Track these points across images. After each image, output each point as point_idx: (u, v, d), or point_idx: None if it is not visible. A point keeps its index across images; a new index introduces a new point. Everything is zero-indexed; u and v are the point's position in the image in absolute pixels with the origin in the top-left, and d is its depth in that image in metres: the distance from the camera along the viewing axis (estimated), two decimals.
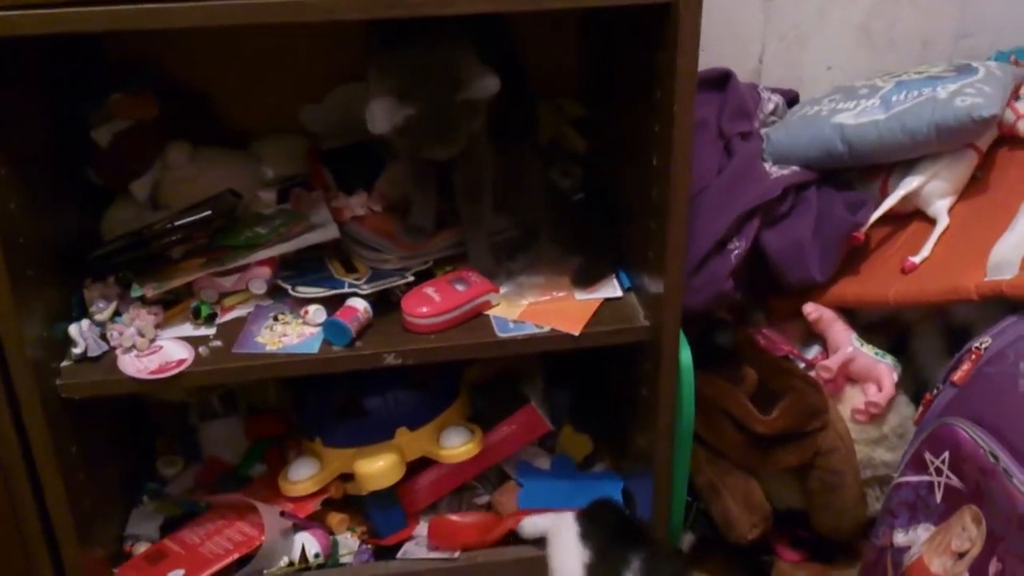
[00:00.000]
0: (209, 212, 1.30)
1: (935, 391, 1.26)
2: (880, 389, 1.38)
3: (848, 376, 1.42)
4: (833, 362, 1.39)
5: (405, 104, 1.13)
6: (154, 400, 1.57)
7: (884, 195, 1.43)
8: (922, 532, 1.19)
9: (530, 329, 1.25)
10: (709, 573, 1.43)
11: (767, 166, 1.43)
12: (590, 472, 1.50)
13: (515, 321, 1.27)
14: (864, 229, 1.39)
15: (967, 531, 1.13)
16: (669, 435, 1.29)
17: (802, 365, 1.43)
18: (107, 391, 1.20)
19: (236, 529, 1.36)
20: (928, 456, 1.20)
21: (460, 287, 1.28)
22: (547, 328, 1.26)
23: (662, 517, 1.34)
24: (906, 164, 1.41)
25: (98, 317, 1.25)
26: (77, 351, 1.20)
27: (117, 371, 1.19)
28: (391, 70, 1.16)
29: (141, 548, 1.38)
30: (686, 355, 1.26)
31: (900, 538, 1.23)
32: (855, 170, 1.47)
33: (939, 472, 1.18)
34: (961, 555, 1.12)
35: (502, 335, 1.25)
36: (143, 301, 1.27)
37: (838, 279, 1.43)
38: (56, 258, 1.24)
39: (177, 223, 1.29)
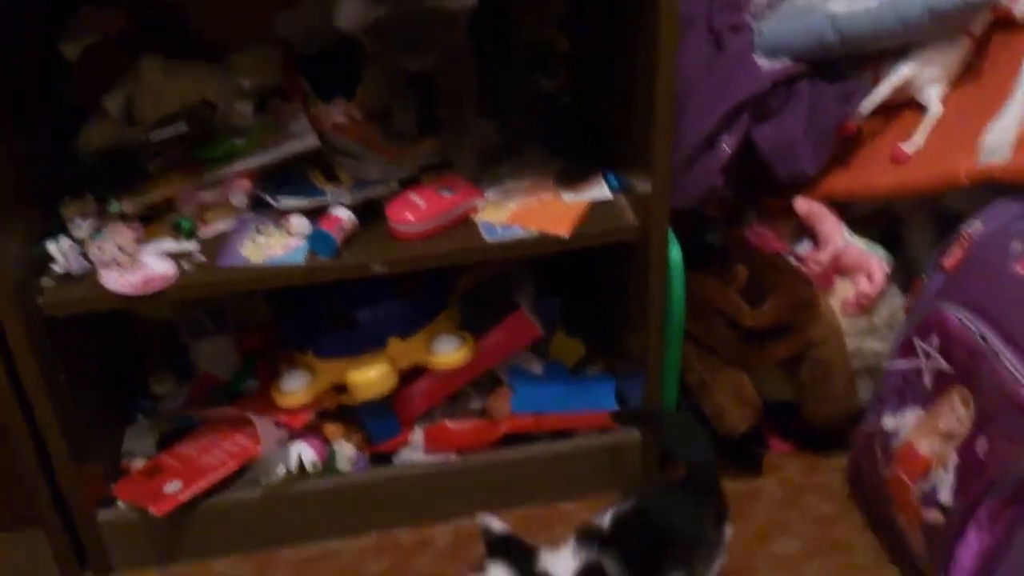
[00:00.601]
0: (185, 124, 1.28)
1: (925, 277, 1.26)
2: (871, 280, 1.38)
3: (839, 269, 1.41)
4: (824, 255, 1.38)
5: (375, 5, 1.10)
6: (142, 320, 1.57)
7: (876, 84, 1.40)
8: (911, 416, 1.20)
9: (518, 233, 1.24)
10: None
11: (758, 59, 1.40)
12: (583, 376, 1.51)
13: (502, 225, 1.26)
14: (856, 119, 1.37)
15: (956, 412, 1.13)
16: (660, 334, 1.29)
17: (793, 261, 1.42)
18: (91, 307, 1.19)
19: (232, 441, 1.37)
20: (917, 342, 1.21)
21: (446, 193, 1.26)
22: (535, 231, 1.24)
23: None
24: (898, 52, 1.38)
25: (78, 235, 1.23)
26: (58, 269, 1.19)
27: (100, 288, 1.18)
28: None
29: (138, 464, 1.39)
30: (676, 253, 1.25)
31: (889, 423, 1.24)
32: (846, 60, 1.44)
33: (928, 357, 1.19)
34: (950, 436, 1.14)
35: (490, 240, 1.23)
36: (122, 217, 1.25)
37: (829, 172, 1.41)
38: (32, 177, 1.21)
39: (153, 137, 1.26)
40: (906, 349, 1.23)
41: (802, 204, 1.41)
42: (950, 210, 1.39)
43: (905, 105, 1.40)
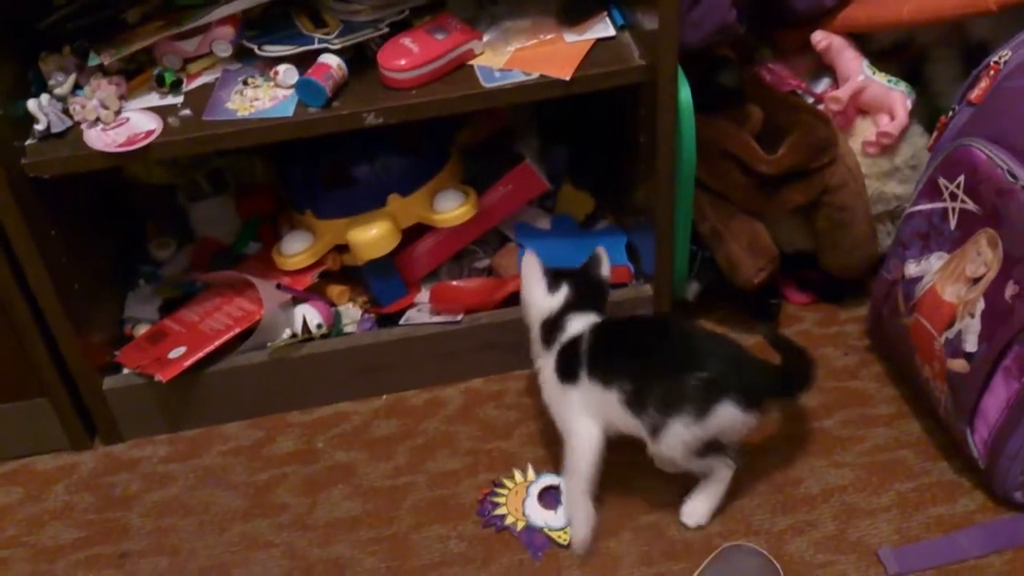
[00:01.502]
0: None
1: (950, 113, 1.19)
2: (893, 118, 1.30)
3: (859, 107, 1.34)
4: (843, 92, 1.30)
5: None
6: (139, 183, 1.52)
7: None
8: (935, 261, 1.15)
9: (518, 77, 1.17)
10: (717, 321, 1.41)
11: None
12: (592, 230, 1.46)
13: (501, 70, 1.18)
14: None
15: (982, 255, 1.08)
16: (669, 181, 1.23)
17: (811, 99, 1.35)
18: (76, 167, 1.14)
19: (235, 305, 1.34)
20: (942, 181, 1.14)
21: (440, 36, 1.18)
22: (536, 75, 1.17)
23: (665, 267, 1.31)
24: None
25: (58, 91, 1.17)
26: (39, 127, 1.14)
27: (84, 146, 1.13)
28: None
29: (141, 330, 1.37)
30: (685, 94, 1.18)
31: (912, 269, 1.19)
32: None
33: (953, 197, 1.13)
34: (976, 280, 1.09)
35: (488, 85, 1.17)
36: (103, 71, 1.19)
37: (848, 1, 1.32)
38: (4, 31, 1.15)
39: None
40: (930, 189, 1.16)
41: (820, 37, 1.32)
42: (976, 41, 1.31)
43: None
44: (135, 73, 1.22)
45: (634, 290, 1.35)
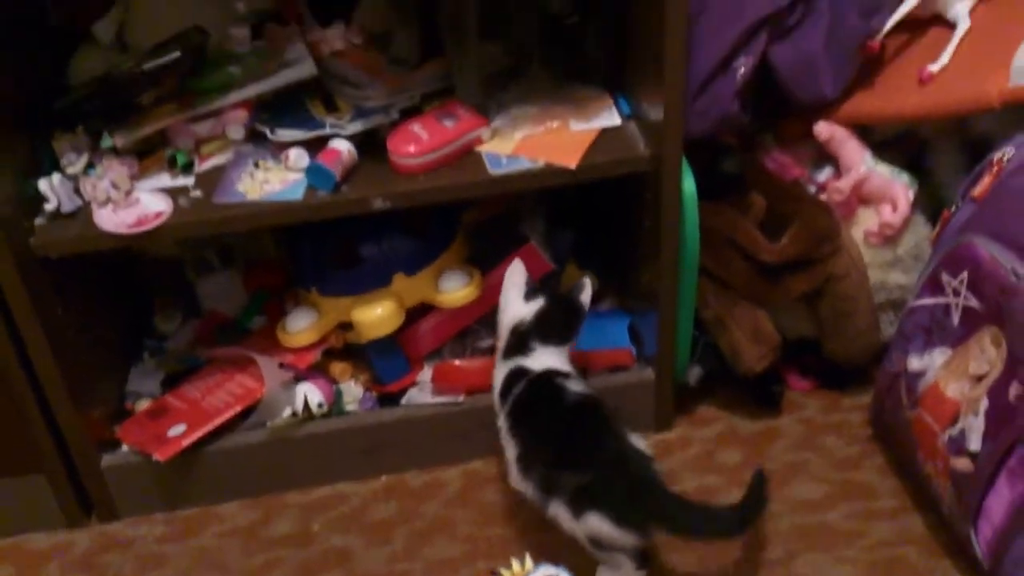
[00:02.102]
0: (177, 53, 1.22)
1: (953, 208, 1.20)
2: (895, 209, 1.32)
3: (862, 197, 1.35)
4: (845, 183, 1.32)
5: None
6: (147, 257, 1.53)
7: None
8: (938, 356, 1.15)
9: (524, 164, 1.19)
10: (719, 406, 1.41)
11: None
12: (595, 311, 1.46)
13: (508, 156, 1.20)
14: (879, 37, 1.30)
15: (986, 353, 1.08)
16: (673, 268, 1.24)
17: (813, 189, 1.36)
18: (84, 247, 1.15)
19: (237, 382, 1.34)
20: (945, 277, 1.15)
21: (448, 123, 1.20)
22: (542, 162, 1.19)
23: (668, 352, 1.31)
24: None
25: (70, 170, 1.19)
26: (50, 207, 1.15)
27: (94, 226, 1.14)
28: None
29: (143, 405, 1.37)
30: (689, 183, 1.19)
31: (915, 363, 1.19)
32: None
33: (957, 293, 1.13)
34: (979, 378, 1.09)
35: (495, 172, 1.18)
36: (116, 152, 1.21)
37: (851, 94, 1.34)
38: (20, 109, 1.16)
39: (144, 67, 1.20)
40: (933, 284, 1.17)
41: (823, 128, 1.34)
42: (978, 134, 1.33)
43: (932, 20, 1.32)
44: (147, 153, 1.24)
45: (636, 373, 1.35)
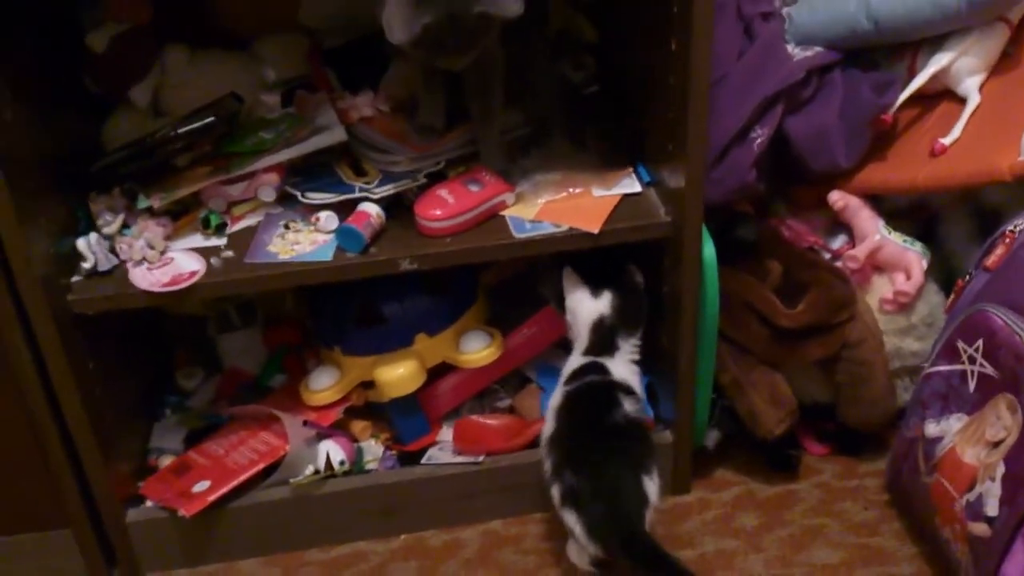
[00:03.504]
0: (212, 118, 1.26)
1: (967, 277, 1.23)
2: (909, 278, 1.34)
3: (876, 265, 1.38)
4: (860, 251, 1.35)
5: (422, 12, 1.08)
6: (171, 313, 1.56)
7: (912, 74, 1.36)
8: (954, 422, 1.17)
9: (548, 229, 1.22)
10: (736, 470, 1.42)
11: (789, 48, 1.36)
12: None
13: (532, 221, 1.23)
14: (892, 111, 1.34)
15: (1002, 420, 1.10)
16: (692, 333, 1.26)
17: (828, 256, 1.39)
18: (120, 305, 1.17)
19: (260, 439, 1.36)
20: (961, 344, 1.17)
21: (474, 187, 1.24)
22: (565, 227, 1.22)
23: (686, 415, 1.33)
24: (935, 41, 1.34)
25: (106, 230, 1.22)
26: (87, 265, 1.18)
27: (129, 284, 1.17)
28: None
29: (166, 461, 1.38)
30: (709, 250, 1.22)
31: (931, 429, 1.20)
32: (882, 49, 1.40)
33: (972, 360, 1.15)
34: (996, 444, 1.10)
35: (519, 236, 1.21)
36: (151, 212, 1.24)
37: (865, 164, 1.38)
38: (58, 170, 1.20)
39: (180, 130, 1.25)
40: (948, 352, 1.19)
41: (837, 198, 1.37)
42: (989, 206, 1.36)
43: (943, 95, 1.36)
44: (181, 214, 1.27)
45: (655, 436, 1.36)
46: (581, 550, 1.23)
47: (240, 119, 1.32)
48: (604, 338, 1.27)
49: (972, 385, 1.15)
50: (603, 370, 1.26)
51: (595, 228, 1.21)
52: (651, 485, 1.18)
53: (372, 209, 1.21)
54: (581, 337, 1.29)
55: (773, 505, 1.37)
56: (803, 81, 1.34)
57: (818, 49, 1.36)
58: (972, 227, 1.40)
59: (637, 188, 1.28)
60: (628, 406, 1.23)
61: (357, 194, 1.23)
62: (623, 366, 1.28)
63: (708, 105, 1.12)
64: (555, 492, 1.20)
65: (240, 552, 1.33)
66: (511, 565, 1.31)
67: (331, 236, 1.21)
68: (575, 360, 1.29)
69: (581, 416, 1.23)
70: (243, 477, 1.29)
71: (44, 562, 1.29)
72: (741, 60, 1.35)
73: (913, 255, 1.35)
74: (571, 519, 1.18)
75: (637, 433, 1.23)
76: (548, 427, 1.25)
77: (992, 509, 1.09)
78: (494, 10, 1.09)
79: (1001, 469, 1.09)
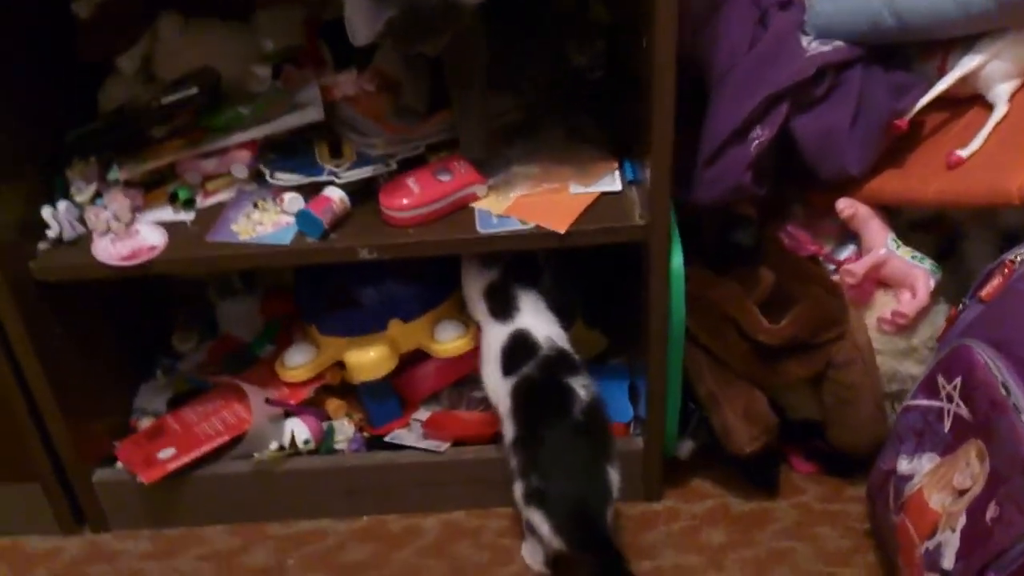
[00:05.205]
0: (195, 90, 1.25)
1: (961, 306, 1.13)
2: (914, 297, 1.25)
3: (881, 280, 1.28)
4: (859, 266, 1.25)
5: (383, 7, 1.03)
6: (175, 277, 1.57)
7: (942, 75, 1.24)
8: (926, 462, 1.09)
9: (513, 225, 1.17)
10: (714, 481, 1.37)
11: (806, 41, 1.26)
12: (599, 371, 1.43)
13: (499, 216, 1.19)
14: (908, 117, 1.23)
15: (970, 467, 1.01)
16: (661, 341, 1.20)
17: (831, 267, 1.31)
18: (81, 275, 1.19)
19: (231, 411, 1.37)
20: (941, 380, 1.08)
21: (444, 177, 1.20)
22: (532, 225, 1.17)
23: (657, 423, 1.28)
24: (967, 41, 1.22)
25: (78, 198, 1.23)
26: (51, 234, 1.19)
27: (91, 256, 1.18)
28: None
29: (145, 423, 1.41)
30: (677, 261, 1.16)
31: (904, 465, 1.12)
32: (913, 46, 1.29)
33: (950, 399, 1.06)
34: (962, 492, 1.02)
35: (483, 231, 1.17)
36: (126, 184, 1.24)
37: (879, 171, 1.27)
38: (39, 138, 1.21)
39: (163, 100, 1.24)
40: (929, 385, 1.10)
41: (845, 205, 1.28)
42: (1011, 226, 1.25)
43: (974, 100, 1.25)
44: (157, 184, 1.27)
45: (626, 442, 1.32)
46: (535, 550, 1.22)
47: (226, 91, 1.31)
48: (501, 297, 1.25)
49: (947, 424, 1.07)
50: (530, 344, 1.22)
51: (562, 228, 1.16)
52: (614, 473, 1.17)
53: (335, 195, 1.19)
54: (481, 308, 1.27)
55: (745, 522, 1.31)
56: (815, 78, 1.24)
57: (837, 43, 1.26)
58: (993, 248, 1.28)
59: (617, 187, 1.21)
60: (581, 392, 1.19)
61: (324, 177, 1.21)
62: (532, 316, 1.25)
63: (672, 104, 1.05)
64: (518, 491, 1.18)
65: (204, 518, 1.35)
66: (465, 559, 1.29)
67: (294, 219, 1.20)
68: (492, 332, 1.25)
69: (539, 419, 1.19)
70: (205, 449, 1.31)
71: (20, 510, 1.33)
72: (748, 54, 1.26)
73: (920, 273, 1.26)
74: (536, 518, 1.16)
75: (597, 421, 1.20)
76: (508, 430, 1.21)
77: (948, 561, 1.01)
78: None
79: (963, 520, 1.00)
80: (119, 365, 1.43)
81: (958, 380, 1.05)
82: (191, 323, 1.58)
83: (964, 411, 1.04)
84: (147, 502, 1.33)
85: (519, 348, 1.23)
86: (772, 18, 1.28)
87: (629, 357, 1.43)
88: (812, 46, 1.26)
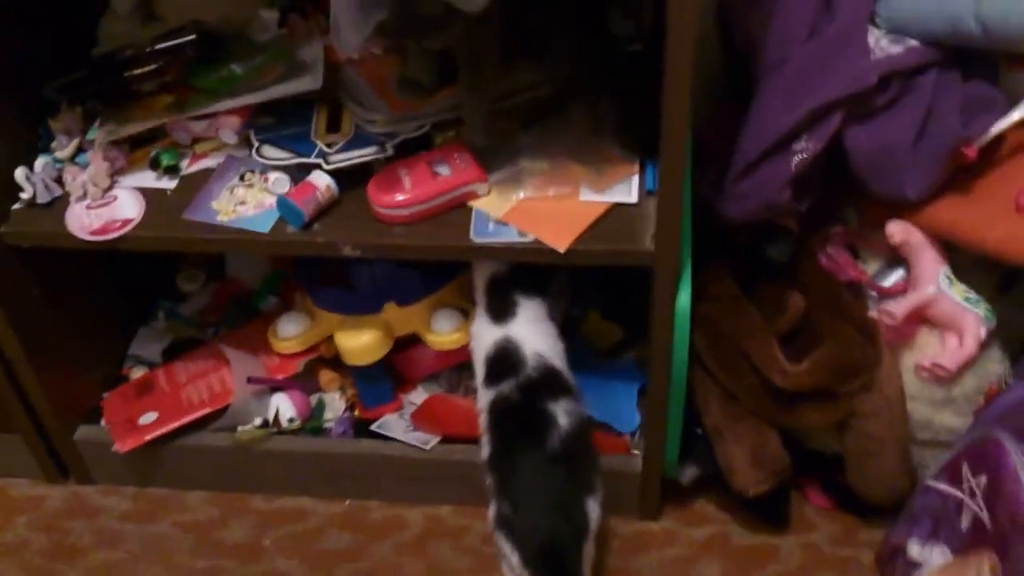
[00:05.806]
0: (192, 36, 1.15)
1: (1003, 384, 0.99)
2: (961, 344, 1.10)
3: (927, 319, 1.14)
4: (901, 307, 1.11)
5: (371, 12, 0.91)
6: None
7: None
8: (937, 555, 0.98)
9: (510, 236, 1.06)
10: (717, 505, 1.27)
11: (873, 39, 1.08)
12: (610, 362, 1.33)
13: (497, 222, 1.07)
14: (979, 143, 1.06)
15: None
16: (663, 368, 1.09)
17: (874, 294, 1.16)
18: (51, 243, 1.13)
19: (218, 378, 1.32)
20: (966, 470, 0.96)
21: (442, 170, 1.08)
22: (530, 238, 1.05)
23: (655, 441, 1.17)
24: None
25: (59, 154, 1.16)
26: (25, 196, 1.12)
27: (62, 224, 1.11)
28: None
29: (137, 374, 1.37)
30: (684, 297, 1.03)
31: (915, 550, 1.02)
32: (1004, 56, 1.10)
33: (972, 495, 0.95)
34: None
35: (477, 240, 1.06)
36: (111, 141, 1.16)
37: (941, 196, 1.11)
38: (20, 85, 1.13)
39: (150, 49, 1.14)
40: (953, 469, 0.98)
41: (897, 230, 1.12)
42: None
43: None
44: (146, 142, 1.18)
45: (625, 460, 1.23)
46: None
47: (228, 35, 1.20)
48: (500, 297, 1.16)
49: (965, 522, 0.95)
50: (515, 359, 1.13)
51: (562, 245, 1.04)
52: (593, 506, 1.09)
53: (321, 182, 1.08)
54: (481, 299, 1.18)
55: (745, 557, 1.22)
56: (878, 86, 1.07)
57: (912, 43, 1.08)
58: None
59: (632, 198, 1.08)
60: (562, 420, 1.10)
61: (313, 159, 1.10)
62: (527, 326, 1.16)
63: (686, 113, 0.90)
64: (491, 512, 1.12)
65: (187, 482, 1.33)
66: (443, 563, 1.24)
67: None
68: (483, 329, 1.17)
69: (513, 443, 1.11)
70: (185, 420, 1.26)
71: (7, 454, 1.32)
72: (805, 47, 1.09)
73: (972, 317, 1.10)
74: (506, 547, 1.09)
75: (578, 450, 1.11)
76: (484, 446, 1.14)
77: None
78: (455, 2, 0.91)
79: None
80: (114, 313, 1.39)
81: (984, 479, 0.93)
82: (198, 264, 1.52)
83: (985, 516, 0.92)
84: (130, 463, 1.30)
85: (503, 360, 1.14)
86: (838, 5, 1.10)
87: (643, 351, 1.32)
88: (881, 44, 1.08)
